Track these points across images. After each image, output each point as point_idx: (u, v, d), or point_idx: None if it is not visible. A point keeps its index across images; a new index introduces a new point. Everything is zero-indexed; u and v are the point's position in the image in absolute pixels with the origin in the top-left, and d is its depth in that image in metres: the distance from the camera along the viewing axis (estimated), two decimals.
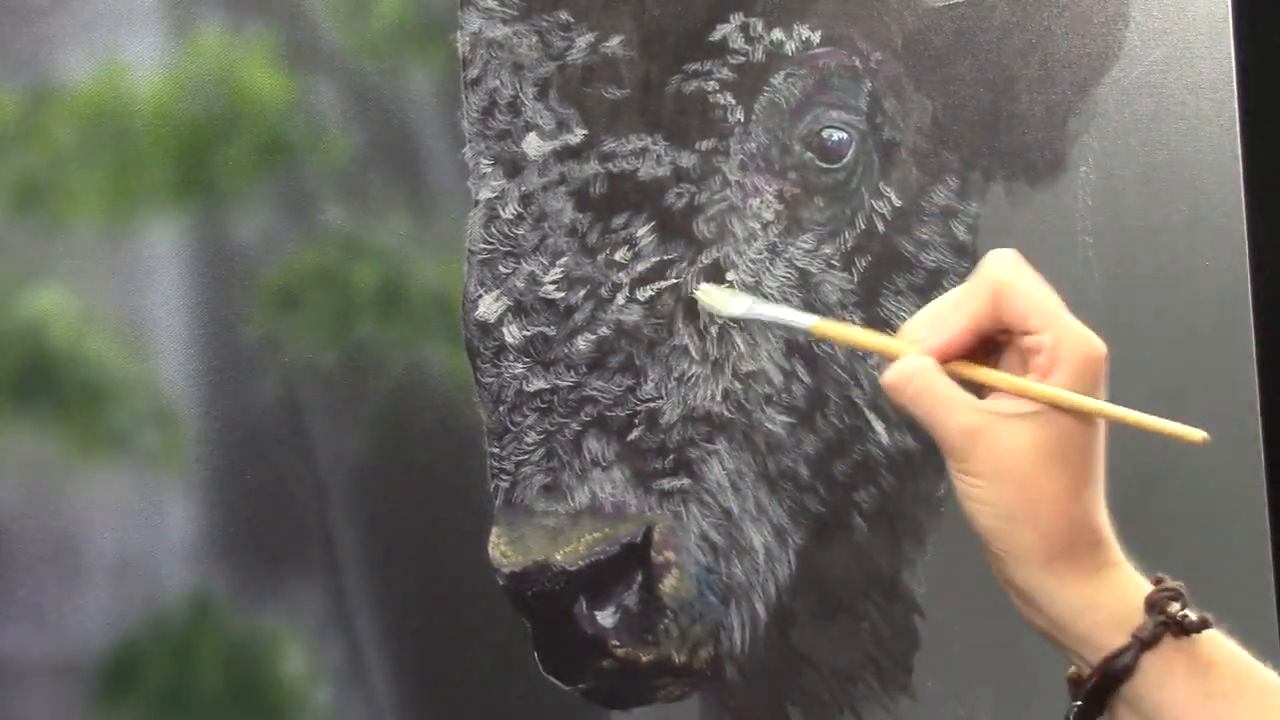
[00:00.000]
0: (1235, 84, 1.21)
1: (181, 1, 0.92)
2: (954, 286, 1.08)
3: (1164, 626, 0.64)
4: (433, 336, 0.98)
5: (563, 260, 0.98)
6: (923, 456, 1.08)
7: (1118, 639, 0.65)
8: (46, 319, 0.89)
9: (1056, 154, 1.12)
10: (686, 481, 0.99)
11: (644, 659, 0.99)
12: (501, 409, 0.98)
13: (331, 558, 0.94)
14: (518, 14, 0.98)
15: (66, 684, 0.88)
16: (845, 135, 1.02)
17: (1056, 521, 0.65)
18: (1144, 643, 0.64)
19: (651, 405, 0.98)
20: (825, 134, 1.02)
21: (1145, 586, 0.67)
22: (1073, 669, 0.68)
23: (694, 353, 0.99)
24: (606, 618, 0.98)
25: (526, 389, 0.98)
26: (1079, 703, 0.66)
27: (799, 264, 1.02)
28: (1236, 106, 1.21)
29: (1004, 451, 0.64)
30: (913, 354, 0.67)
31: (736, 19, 1.00)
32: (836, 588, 1.06)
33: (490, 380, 0.98)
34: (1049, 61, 1.11)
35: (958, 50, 1.08)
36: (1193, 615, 0.65)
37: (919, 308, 1.06)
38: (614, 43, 0.98)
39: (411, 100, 0.97)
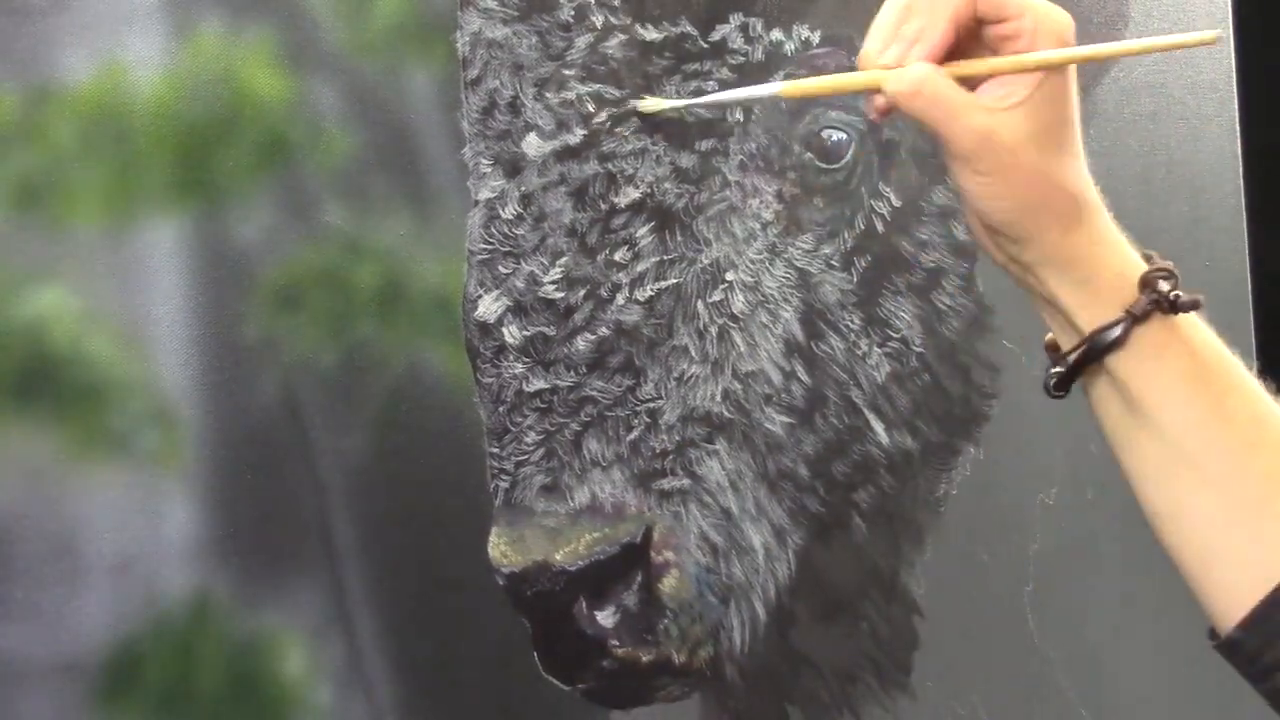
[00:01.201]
0: (1235, 84, 1.21)
1: (181, 2, 0.92)
2: (954, 287, 1.10)
3: (1155, 304, 0.68)
4: (433, 337, 0.98)
5: (562, 260, 0.98)
6: (922, 456, 1.08)
7: (1112, 311, 0.68)
8: (46, 319, 0.89)
9: None
10: (686, 482, 0.99)
11: (644, 659, 0.99)
12: (501, 409, 0.98)
13: (331, 558, 0.94)
14: (518, 14, 0.98)
15: (66, 684, 0.88)
16: (844, 135, 1.02)
17: (1064, 199, 0.68)
18: (1135, 317, 0.68)
19: (651, 405, 0.98)
20: (824, 134, 1.02)
21: (1139, 262, 0.70)
22: (1050, 335, 0.72)
23: (694, 353, 0.99)
24: (606, 618, 0.98)
25: (526, 389, 0.98)
26: (1059, 368, 0.70)
27: (798, 264, 1.02)
28: (1236, 106, 1.21)
29: (1012, 144, 0.67)
30: (912, 66, 0.68)
31: (736, 19, 1.00)
32: (836, 588, 1.06)
33: (490, 380, 0.98)
34: None
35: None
36: (1184, 295, 0.68)
37: (918, 308, 1.07)
38: (613, 43, 0.98)
39: (411, 100, 0.97)
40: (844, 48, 1.02)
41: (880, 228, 1.05)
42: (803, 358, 1.02)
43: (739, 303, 1.00)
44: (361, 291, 0.96)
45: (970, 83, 0.68)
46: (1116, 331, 0.68)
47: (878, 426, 1.05)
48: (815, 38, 1.02)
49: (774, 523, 1.02)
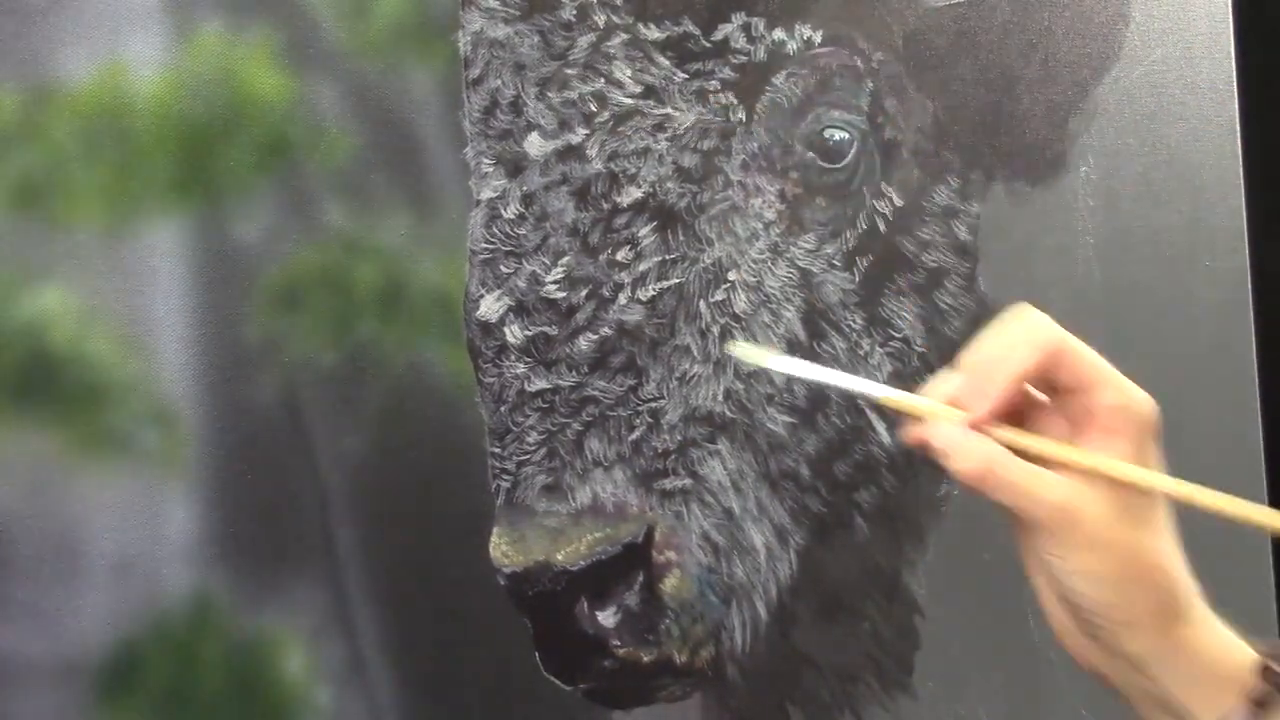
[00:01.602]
0: (1235, 84, 1.21)
1: (181, 1, 0.92)
2: (956, 287, 1.10)
3: (1276, 688, 0.63)
4: (434, 336, 0.98)
5: (564, 260, 0.98)
6: (924, 457, 1.08)
7: (1226, 701, 0.63)
8: (46, 319, 0.89)
9: (1057, 154, 1.12)
10: (688, 481, 0.99)
11: (645, 659, 0.99)
12: (503, 409, 0.98)
13: (331, 558, 0.94)
14: (519, 13, 0.98)
15: (66, 684, 0.88)
16: (847, 135, 1.02)
17: (1163, 578, 0.63)
18: (1257, 703, 0.63)
19: (653, 405, 0.98)
20: (827, 134, 1.02)
21: (1238, 642, 0.65)
22: None
23: (696, 353, 0.99)
24: (607, 618, 0.98)
25: (528, 389, 0.97)
26: None
27: (800, 264, 1.02)
28: (1236, 106, 1.21)
29: (1099, 520, 0.62)
30: (968, 435, 0.63)
31: (738, 19, 1.00)
32: (837, 588, 1.06)
33: (492, 380, 0.98)
34: (1050, 61, 1.11)
35: (958, 50, 1.08)
36: None
37: (920, 308, 1.07)
38: (615, 43, 0.98)
39: (412, 100, 0.97)
40: (846, 47, 1.02)
41: (882, 227, 1.05)
42: (805, 357, 1.02)
43: (741, 302, 1.00)
44: (361, 291, 0.96)
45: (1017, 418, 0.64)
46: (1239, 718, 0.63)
47: (880, 426, 1.05)
48: (818, 37, 1.02)
49: (776, 523, 1.02)
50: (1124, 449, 0.63)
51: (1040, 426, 0.65)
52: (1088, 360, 0.64)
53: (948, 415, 0.64)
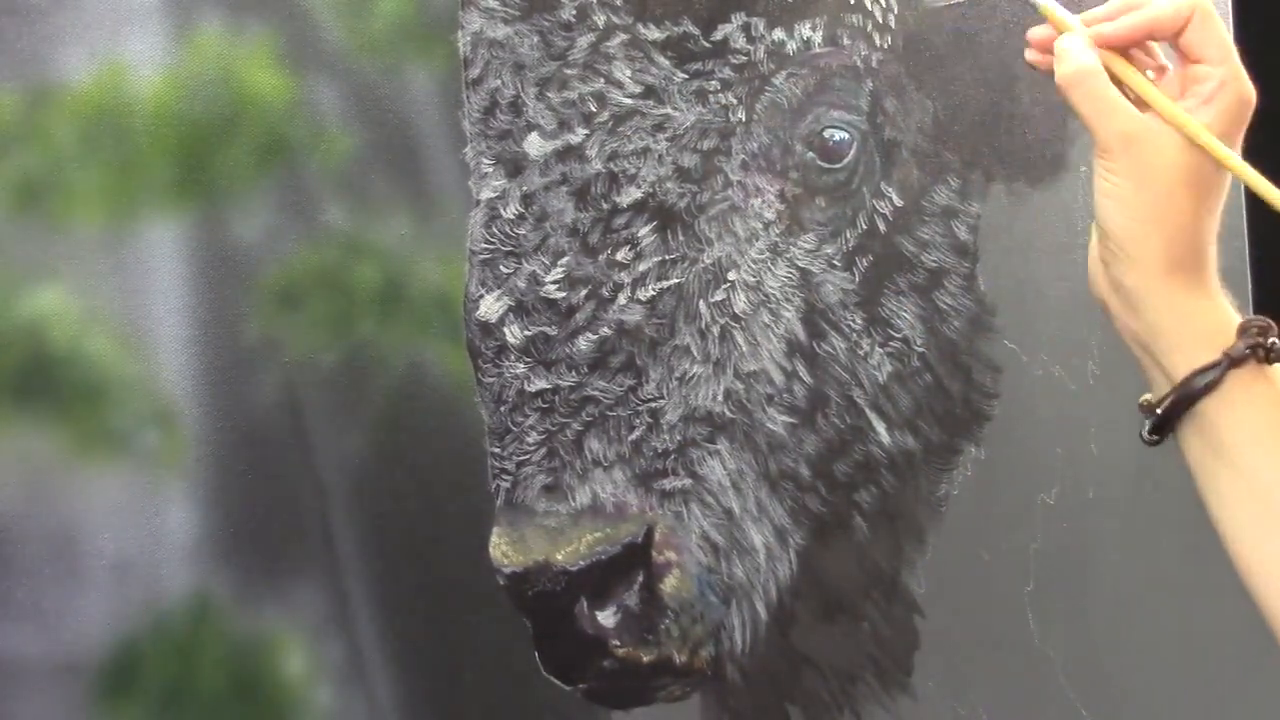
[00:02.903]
0: None
1: (181, 1, 0.92)
2: (955, 287, 1.10)
3: (1252, 350, 0.69)
4: (434, 337, 0.98)
5: (564, 260, 0.98)
6: (924, 456, 1.08)
7: (1208, 354, 0.69)
8: (46, 319, 0.89)
9: (1057, 154, 1.12)
10: (688, 481, 0.99)
11: (645, 659, 0.99)
12: (503, 409, 0.98)
13: (331, 558, 0.94)
14: (519, 14, 0.98)
15: (66, 684, 0.88)
16: (846, 135, 1.03)
17: (1181, 234, 0.70)
18: (1233, 360, 0.69)
19: (653, 405, 0.98)
20: (826, 134, 1.02)
21: (1237, 316, 0.71)
22: (1144, 396, 0.73)
23: (695, 353, 0.99)
24: (607, 618, 0.98)
25: (528, 389, 0.98)
26: (1156, 413, 0.71)
27: (800, 264, 1.02)
28: None
29: (1152, 161, 0.69)
30: (1083, 51, 0.71)
31: (738, 19, 1.00)
32: (837, 588, 1.06)
33: (491, 380, 0.98)
34: None
35: (958, 50, 1.08)
36: None
37: (920, 308, 1.07)
38: (615, 43, 0.98)
39: (412, 100, 0.97)
40: (846, 47, 1.02)
41: (882, 227, 1.05)
42: (804, 357, 1.02)
43: (741, 302, 1.00)
44: (361, 291, 0.96)
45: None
46: (1213, 375, 0.69)
47: (879, 426, 1.05)
48: (817, 37, 1.02)
49: (775, 523, 1.02)
50: (1215, 121, 0.70)
51: (1156, 83, 0.72)
52: (1218, 32, 0.71)
53: (1079, 30, 0.72)
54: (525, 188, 0.98)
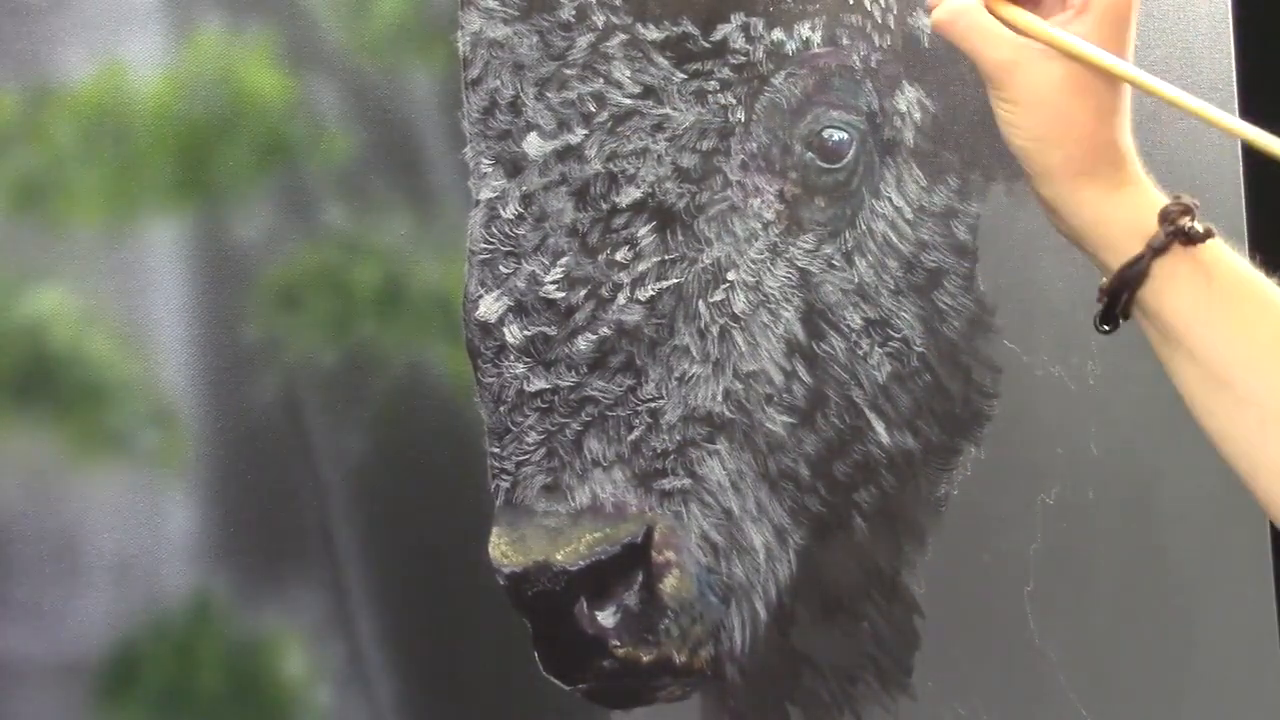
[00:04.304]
0: (1235, 84, 1.21)
1: (181, 1, 0.92)
2: (955, 287, 1.10)
3: (1173, 235, 0.71)
4: (433, 337, 0.98)
5: (564, 260, 0.98)
6: (924, 456, 1.08)
7: (1134, 247, 0.72)
8: (46, 319, 0.89)
9: None
10: (687, 481, 0.99)
11: (644, 659, 0.99)
12: (502, 409, 0.98)
13: (331, 558, 0.94)
14: (518, 14, 0.98)
15: (66, 684, 0.88)
16: (846, 135, 1.02)
17: (1081, 143, 0.72)
18: (1155, 250, 0.72)
19: (652, 405, 0.98)
20: (826, 134, 1.02)
21: (1162, 201, 0.73)
22: (1102, 279, 0.75)
23: (695, 353, 0.99)
24: (607, 618, 0.98)
25: (527, 389, 0.97)
26: (1100, 303, 0.74)
27: (799, 264, 1.02)
28: (1236, 106, 1.21)
29: (1036, 83, 0.72)
30: None
31: (737, 19, 1.00)
32: (837, 588, 1.06)
33: (491, 380, 0.98)
34: None
35: (958, 50, 1.08)
36: (1199, 226, 0.72)
37: (920, 307, 1.07)
38: (614, 43, 0.98)
39: (412, 100, 0.97)
40: (845, 47, 1.02)
41: (881, 227, 1.05)
42: (804, 358, 1.02)
43: (740, 302, 1.00)
44: (361, 291, 0.96)
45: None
46: (1139, 266, 0.72)
47: (879, 426, 1.05)
48: (816, 37, 1.02)
49: (775, 523, 1.02)
50: (1094, 29, 0.72)
51: (1048, 11, 0.74)
52: None
53: None
54: (524, 188, 0.98)
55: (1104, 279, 0.75)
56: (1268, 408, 0.71)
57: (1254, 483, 0.72)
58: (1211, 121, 0.70)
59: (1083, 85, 0.72)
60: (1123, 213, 0.73)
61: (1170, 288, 0.72)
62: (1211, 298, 0.72)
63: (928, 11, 0.76)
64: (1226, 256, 0.73)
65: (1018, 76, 0.72)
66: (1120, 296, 0.73)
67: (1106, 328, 0.75)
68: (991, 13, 0.74)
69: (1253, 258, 0.74)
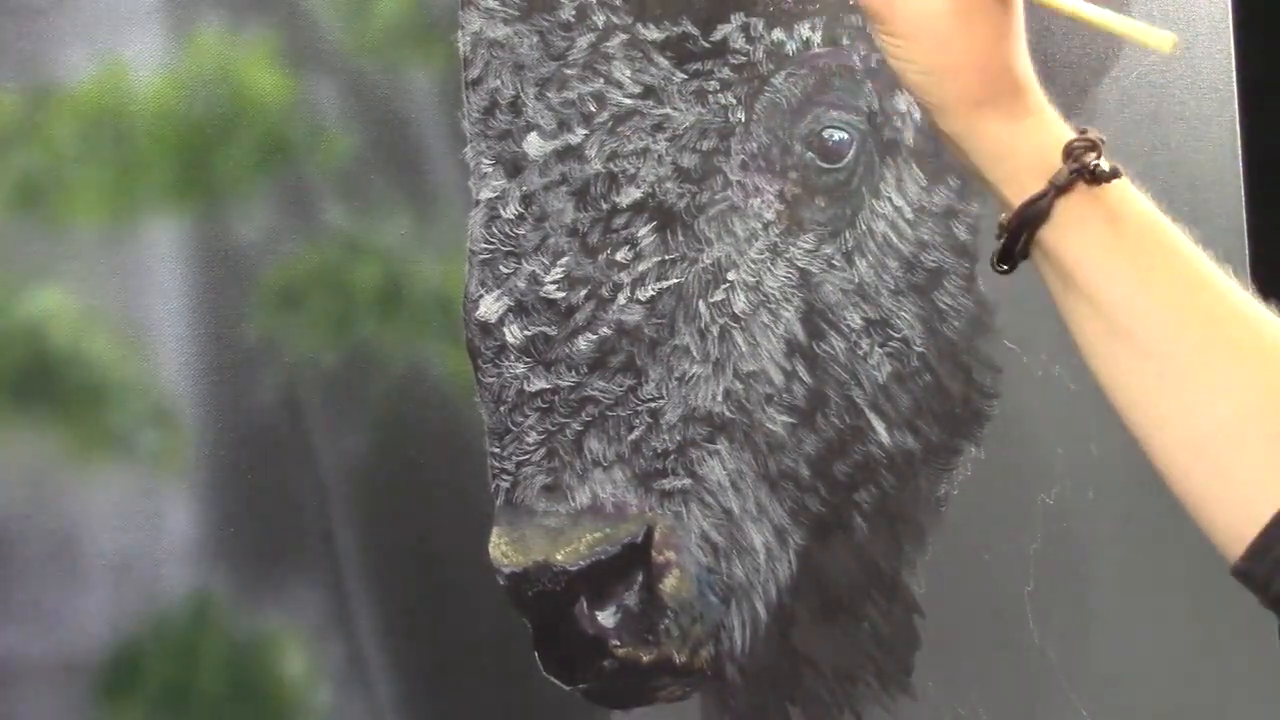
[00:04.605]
0: (1235, 84, 1.21)
1: (181, 1, 0.92)
2: (955, 287, 1.10)
3: (1077, 174, 0.68)
4: (433, 337, 0.98)
5: (564, 260, 0.98)
6: (924, 456, 1.08)
7: (1036, 184, 0.68)
8: (46, 319, 0.89)
9: None
10: (687, 481, 0.99)
11: (645, 659, 0.99)
12: (502, 409, 0.98)
13: (331, 558, 0.94)
14: (519, 14, 0.98)
15: (66, 684, 0.88)
16: (846, 135, 1.02)
17: (974, 71, 0.69)
18: (1058, 188, 0.68)
19: (652, 405, 0.98)
20: (826, 134, 1.02)
21: (1067, 136, 0.70)
22: (1001, 214, 0.72)
23: (695, 353, 0.99)
24: (607, 618, 0.98)
25: (527, 389, 0.97)
26: (998, 240, 0.71)
27: (800, 264, 1.02)
28: (1236, 106, 1.21)
29: (919, 12, 0.69)
30: None
31: (737, 19, 1.00)
32: (837, 588, 1.06)
33: (491, 380, 0.98)
34: (1049, 62, 1.11)
35: None
36: (1105, 165, 0.68)
37: (920, 307, 1.07)
38: (614, 43, 0.98)
39: (412, 100, 0.97)
40: (845, 47, 1.02)
41: (881, 227, 1.05)
42: (804, 358, 1.02)
43: (740, 302, 1.00)
44: (361, 291, 0.96)
45: None
46: (1041, 205, 0.68)
47: (879, 426, 1.05)
48: (817, 37, 1.02)
49: (775, 523, 1.02)
50: None
51: None
52: None
53: None
54: (525, 188, 0.98)
55: (1003, 215, 0.71)
56: (1169, 361, 0.67)
57: (1147, 436, 0.69)
58: (1090, 21, 0.68)
59: (968, 8, 0.68)
60: (1026, 145, 0.69)
61: (1073, 230, 0.68)
62: (1116, 243, 0.68)
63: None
64: (1134, 199, 0.69)
65: (898, 8, 0.69)
66: (1020, 235, 0.69)
67: (1005, 267, 0.72)
68: None
69: (1253, 257, 0.73)
